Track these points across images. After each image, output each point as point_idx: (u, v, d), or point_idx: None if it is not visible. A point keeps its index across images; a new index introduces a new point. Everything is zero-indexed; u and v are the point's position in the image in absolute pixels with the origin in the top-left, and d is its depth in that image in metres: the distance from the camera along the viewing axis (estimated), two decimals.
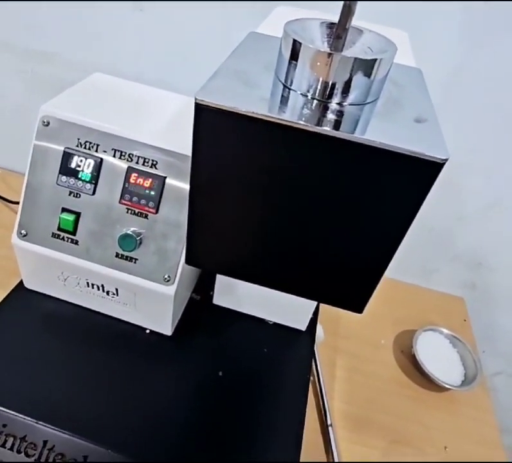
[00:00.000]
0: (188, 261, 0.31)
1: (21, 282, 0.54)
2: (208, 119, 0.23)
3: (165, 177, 0.44)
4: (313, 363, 0.59)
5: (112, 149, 0.44)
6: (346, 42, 0.25)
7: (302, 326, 0.56)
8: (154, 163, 0.44)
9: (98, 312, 0.53)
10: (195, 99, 0.23)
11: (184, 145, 0.43)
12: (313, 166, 0.23)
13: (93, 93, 0.50)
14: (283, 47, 0.25)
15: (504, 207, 0.65)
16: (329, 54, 0.23)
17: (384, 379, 0.61)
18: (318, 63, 0.23)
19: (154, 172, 0.44)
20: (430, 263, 0.77)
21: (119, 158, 0.44)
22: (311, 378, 0.58)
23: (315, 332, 0.58)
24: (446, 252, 0.74)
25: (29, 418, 0.43)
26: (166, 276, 0.46)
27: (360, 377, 0.61)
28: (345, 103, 0.24)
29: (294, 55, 0.24)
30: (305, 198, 0.25)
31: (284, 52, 0.25)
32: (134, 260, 0.46)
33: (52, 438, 0.43)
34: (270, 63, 0.27)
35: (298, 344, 0.55)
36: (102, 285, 0.50)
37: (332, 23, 0.26)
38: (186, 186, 0.42)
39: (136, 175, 0.44)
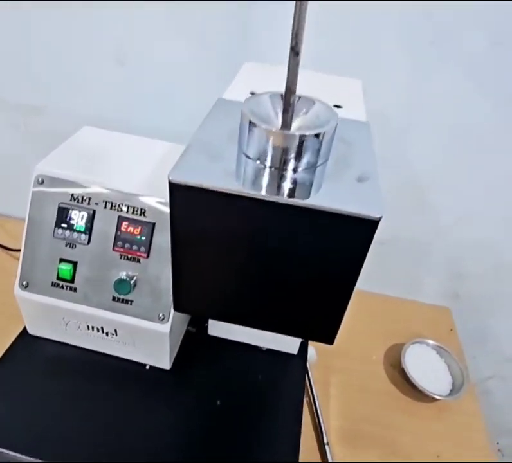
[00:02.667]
0: (176, 308, 0.35)
1: (25, 328, 0.58)
2: (180, 194, 0.27)
3: (154, 223, 0.48)
4: (308, 384, 0.62)
5: (104, 201, 0.48)
6: (297, 113, 0.29)
7: (294, 350, 0.59)
8: (143, 211, 0.48)
9: (99, 353, 0.56)
10: (169, 178, 0.27)
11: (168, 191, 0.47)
12: (273, 228, 0.27)
13: (83, 148, 0.54)
14: (241, 125, 0.29)
15: (473, 219, 0.70)
16: (277, 132, 0.27)
17: (376, 393, 0.64)
18: (271, 139, 0.28)
19: (143, 220, 0.48)
20: (414, 276, 0.81)
21: (111, 209, 0.48)
22: (306, 398, 0.61)
23: (307, 354, 0.61)
24: (427, 264, 0.78)
25: (35, 459, 0.46)
26: (160, 315, 0.50)
27: (354, 394, 0.64)
28: (299, 169, 0.29)
29: (251, 131, 0.28)
30: (269, 254, 0.29)
31: (242, 129, 0.29)
32: (129, 302, 0.50)
33: None
34: (234, 132, 0.31)
35: (291, 368, 0.59)
36: (102, 327, 0.53)
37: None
38: None
39: (127, 223, 0.48)
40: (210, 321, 0.59)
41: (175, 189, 0.27)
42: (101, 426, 0.50)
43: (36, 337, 0.57)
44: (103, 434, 0.49)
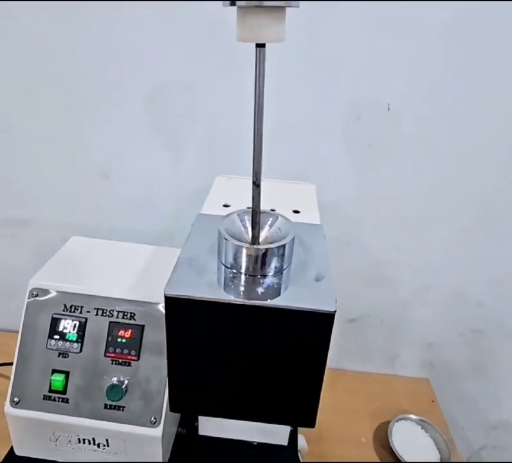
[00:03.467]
0: (172, 409, 0.38)
1: (11, 450, 0.57)
2: (174, 305, 0.33)
3: (143, 326, 0.51)
4: None
5: (95, 308, 0.52)
6: (263, 226, 0.36)
7: (283, 441, 0.60)
8: (132, 314, 0.52)
9: None
10: (164, 293, 0.32)
11: (156, 294, 0.52)
12: (252, 326, 0.33)
13: (73, 259, 0.59)
14: (219, 242, 0.36)
15: (434, 291, 0.77)
16: (249, 247, 0.34)
17: None
18: (244, 253, 0.34)
19: (133, 323, 0.51)
20: (390, 350, 0.84)
21: (102, 315, 0.52)
22: None
23: (297, 444, 0.62)
24: (399, 337, 0.83)
25: None
26: (152, 419, 0.51)
27: None
28: (268, 274, 0.35)
29: (227, 247, 0.35)
30: (251, 350, 0.34)
31: (220, 245, 0.35)
32: (121, 409, 0.51)
33: None
34: (213, 245, 0.37)
35: (283, 459, 0.59)
36: (93, 439, 0.53)
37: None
38: (162, 330, 0.51)
39: (118, 328, 0.51)
40: (200, 421, 0.60)
41: (170, 302, 0.32)
42: None
43: (24, 457, 0.56)
44: None
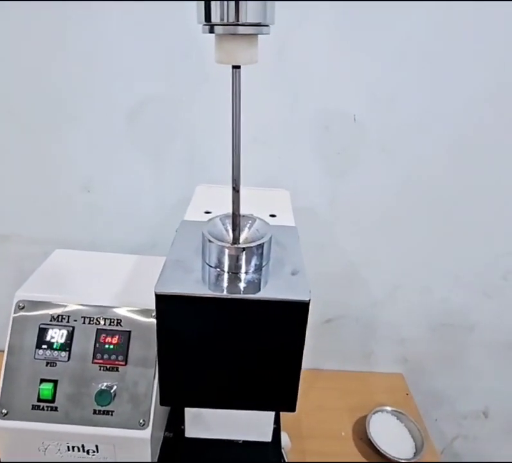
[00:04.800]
0: (163, 403, 0.40)
1: None
2: (164, 302, 0.35)
3: (130, 331, 0.53)
4: None
5: (82, 317, 0.54)
6: (242, 228, 0.40)
7: (267, 437, 0.63)
8: (119, 321, 0.54)
9: None
10: (155, 291, 0.35)
11: (140, 300, 0.55)
12: (235, 318, 0.36)
13: (58, 270, 0.60)
14: (203, 243, 0.39)
15: (403, 290, 0.82)
16: (230, 247, 0.37)
17: None
18: (225, 252, 0.38)
19: (119, 329, 0.53)
20: (365, 348, 0.88)
21: (89, 323, 0.54)
22: None
23: (280, 443, 0.65)
24: (373, 335, 0.87)
25: None
26: (141, 421, 0.53)
27: None
28: (249, 271, 0.38)
29: (211, 248, 0.38)
30: (236, 341, 0.37)
31: (204, 246, 0.39)
32: (110, 413, 0.53)
33: None
34: (197, 248, 0.41)
35: (267, 455, 0.62)
36: (82, 446, 0.54)
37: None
38: (148, 334, 0.53)
39: (104, 335, 0.53)
40: (187, 423, 0.62)
41: (160, 298, 0.35)
42: None
43: None
44: None
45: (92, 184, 0.72)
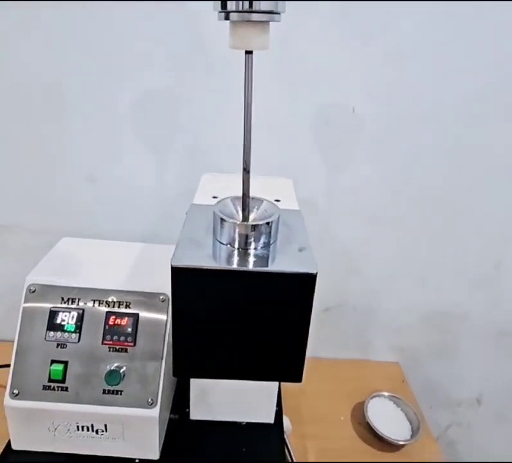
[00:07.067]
0: (176, 374, 0.42)
1: (7, 445, 0.58)
2: (179, 275, 0.37)
3: (138, 314, 0.55)
4: (287, 453, 0.66)
5: (91, 300, 0.55)
6: (251, 209, 0.42)
7: (270, 419, 0.65)
8: (128, 303, 0.56)
9: (88, 455, 0.58)
10: (171, 264, 0.37)
11: (148, 284, 0.57)
12: (245, 290, 0.38)
13: (66, 256, 0.62)
14: (214, 221, 0.41)
15: (399, 280, 0.84)
16: (240, 224, 0.40)
17: (350, 452, 0.70)
18: (236, 229, 0.40)
19: (128, 311, 0.55)
20: (361, 337, 0.91)
21: (98, 305, 0.55)
22: None
23: (282, 425, 0.67)
24: (370, 324, 0.89)
25: None
26: (149, 400, 0.55)
27: (330, 455, 0.69)
28: (258, 248, 0.41)
29: (222, 225, 0.40)
30: (245, 312, 0.39)
31: (215, 224, 0.41)
32: (119, 393, 0.55)
33: None
34: (208, 227, 0.43)
35: (270, 436, 0.64)
36: (91, 425, 0.56)
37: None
38: (156, 316, 0.55)
39: (114, 317, 0.55)
40: (191, 406, 0.64)
41: (176, 271, 0.37)
42: None
43: (21, 451, 0.58)
44: None
45: (96, 174, 0.73)
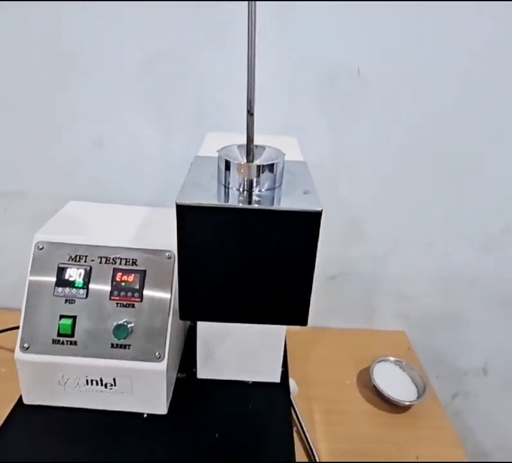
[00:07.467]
0: (183, 316, 0.43)
1: (19, 400, 0.59)
2: (184, 213, 0.38)
3: (145, 270, 0.56)
4: (293, 413, 0.67)
5: (99, 257, 0.56)
6: (255, 155, 0.42)
7: (276, 378, 0.66)
8: (134, 260, 0.56)
9: (97, 410, 0.59)
10: (177, 202, 0.37)
11: (154, 242, 0.57)
12: (250, 229, 0.38)
13: (73, 217, 0.63)
14: (219, 164, 0.41)
15: (405, 245, 0.83)
16: (245, 165, 0.40)
17: (355, 414, 0.70)
18: (241, 171, 0.40)
19: (135, 268, 0.56)
20: (367, 305, 0.90)
21: (105, 263, 0.56)
22: (295, 428, 0.65)
23: (288, 384, 0.67)
24: (376, 292, 0.89)
25: None
26: (157, 354, 0.55)
27: (336, 417, 0.69)
28: (262, 190, 0.41)
29: (227, 168, 0.40)
30: (251, 252, 0.39)
31: (220, 167, 0.41)
32: (127, 347, 0.55)
33: None
34: (213, 174, 0.43)
35: (276, 395, 0.64)
36: (100, 379, 0.57)
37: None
38: (162, 273, 0.55)
39: (121, 273, 0.56)
40: (198, 365, 0.65)
41: (181, 209, 0.37)
42: None
43: (32, 406, 0.59)
44: None
45: (103, 139, 0.73)
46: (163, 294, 0.56)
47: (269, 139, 0.46)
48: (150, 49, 0.67)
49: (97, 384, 0.57)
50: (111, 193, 0.76)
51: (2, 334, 0.74)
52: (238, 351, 0.63)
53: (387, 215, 0.80)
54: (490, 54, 0.67)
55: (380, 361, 0.77)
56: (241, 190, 0.41)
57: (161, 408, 0.59)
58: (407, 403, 0.69)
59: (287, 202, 0.39)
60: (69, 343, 0.55)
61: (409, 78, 0.68)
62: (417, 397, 0.71)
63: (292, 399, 0.68)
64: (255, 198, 0.40)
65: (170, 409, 0.60)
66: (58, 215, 0.63)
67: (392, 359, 0.77)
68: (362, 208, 0.79)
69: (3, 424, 0.56)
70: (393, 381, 0.74)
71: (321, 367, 0.79)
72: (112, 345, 0.55)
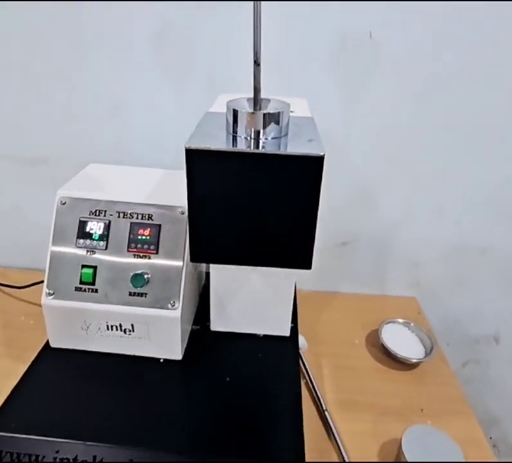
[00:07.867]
0: (193, 259, 0.46)
1: (45, 344, 0.64)
2: (194, 157, 0.40)
3: (160, 225, 0.59)
4: (302, 365, 0.70)
5: (117, 212, 0.60)
6: (263, 107, 0.44)
7: (286, 332, 0.69)
8: (150, 216, 0.59)
9: (118, 355, 0.63)
10: (185, 146, 0.40)
11: (170, 199, 0.60)
12: (257, 174, 0.40)
13: (93, 177, 0.67)
14: (227, 114, 0.43)
15: (416, 212, 0.84)
16: (253, 113, 0.42)
17: (363, 369, 0.73)
18: (249, 119, 0.42)
19: (151, 223, 0.59)
20: (378, 271, 0.92)
21: (123, 217, 0.59)
22: (303, 380, 0.68)
23: (297, 339, 0.70)
24: (386, 258, 0.90)
25: (77, 441, 0.51)
26: (172, 302, 0.59)
27: (343, 372, 0.72)
28: (268, 138, 0.43)
29: (235, 117, 0.42)
30: (257, 195, 0.41)
31: (228, 116, 0.43)
32: (144, 295, 0.59)
33: (100, 453, 0.51)
34: (222, 126, 0.45)
35: (286, 348, 0.67)
36: (120, 325, 0.61)
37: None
38: (176, 227, 0.58)
39: (138, 227, 0.59)
40: (212, 318, 0.68)
41: (190, 153, 0.40)
42: (128, 408, 0.56)
43: (58, 349, 0.64)
44: (129, 414, 0.55)
45: (121, 106, 0.76)
46: (176, 247, 0.59)
47: (271, 98, 0.48)
48: (162, 18, 0.68)
49: (117, 329, 0.61)
50: (129, 157, 0.79)
51: (29, 288, 0.80)
52: (249, 305, 0.66)
53: (398, 182, 0.81)
54: (501, 22, 0.66)
55: (389, 323, 0.79)
56: (248, 138, 0.43)
57: (176, 354, 0.63)
58: (414, 361, 0.71)
59: (292, 147, 0.41)
60: (90, 290, 0.60)
61: (420, 45, 0.68)
62: (425, 356, 0.73)
63: (301, 353, 0.71)
64: (261, 144, 0.42)
65: (184, 355, 0.64)
66: (79, 175, 0.67)
67: (400, 320, 0.79)
68: (372, 175, 0.80)
69: (32, 364, 0.61)
70: (401, 340, 0.76)
71: (331, 327, 0.82)
72: (130, 293, 0.59)
